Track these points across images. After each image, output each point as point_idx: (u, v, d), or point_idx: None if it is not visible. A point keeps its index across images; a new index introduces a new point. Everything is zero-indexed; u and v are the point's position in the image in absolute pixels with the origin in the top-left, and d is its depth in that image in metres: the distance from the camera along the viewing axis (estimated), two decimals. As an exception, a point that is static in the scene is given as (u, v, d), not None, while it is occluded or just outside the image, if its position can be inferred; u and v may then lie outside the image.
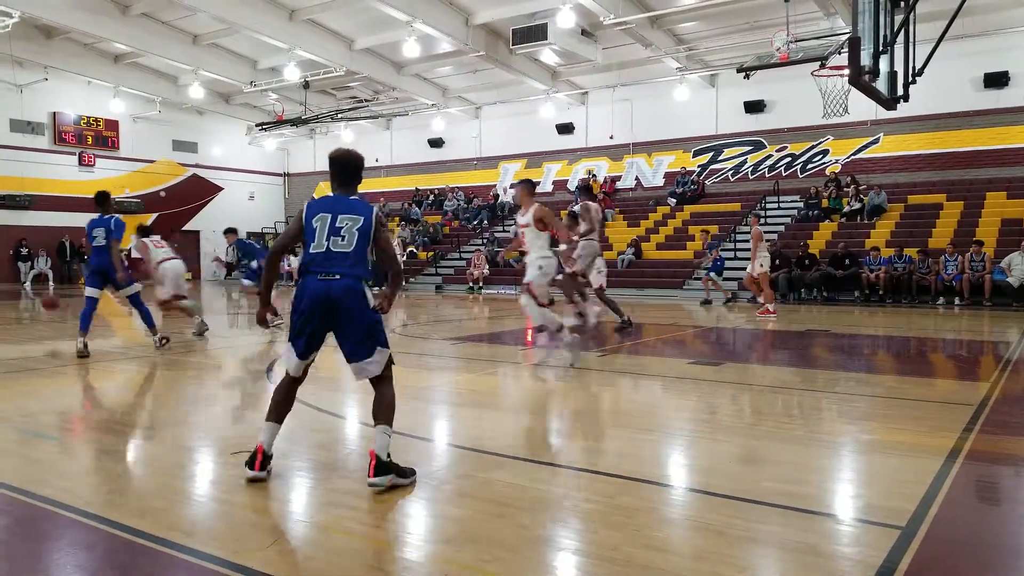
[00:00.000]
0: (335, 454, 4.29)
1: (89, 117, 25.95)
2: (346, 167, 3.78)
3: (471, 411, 5.58)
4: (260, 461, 3.59)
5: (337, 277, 3.55)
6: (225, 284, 11.71)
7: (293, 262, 20.16)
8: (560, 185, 26.05)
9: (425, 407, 5.70)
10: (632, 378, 7.13)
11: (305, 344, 3.64)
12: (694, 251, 19.62)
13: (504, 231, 24.52)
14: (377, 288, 4.02)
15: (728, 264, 17.80)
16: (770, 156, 22.41)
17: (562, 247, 7.06)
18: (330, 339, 3.70)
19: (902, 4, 8.50)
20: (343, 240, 3.59)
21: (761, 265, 13.20)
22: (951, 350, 9.43)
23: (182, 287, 10.07)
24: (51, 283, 22.98)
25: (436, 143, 28.80)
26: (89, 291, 8.00)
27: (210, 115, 29.04)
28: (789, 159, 22.11)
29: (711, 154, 23.40)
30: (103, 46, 22.93)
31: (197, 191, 29.66)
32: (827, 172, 21.14)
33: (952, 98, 19.10)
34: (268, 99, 26.40)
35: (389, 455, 3.49)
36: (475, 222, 25.85)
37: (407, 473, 3.54)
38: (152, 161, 28.14)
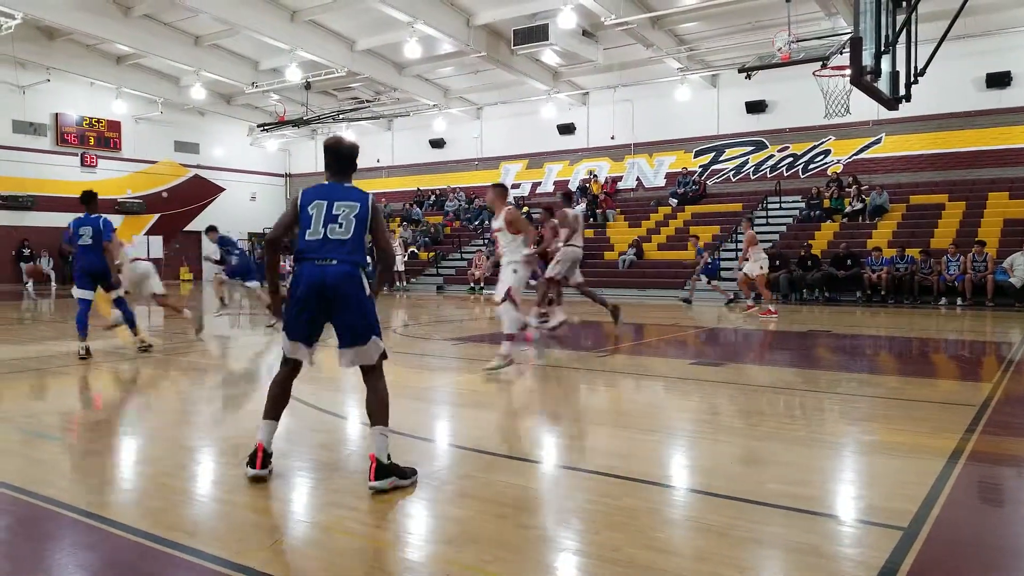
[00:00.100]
0: (336, 454, 4.29)
1: (91, 118, 25.99)
2: (340, 155, 3.77)
3: (472, 411, 5.58)
4: (261, 459, 3.59)
5: (334, 262, 3.54)
6: (228, 284, 11.76)
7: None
8: (561, 185, 26.02)
9: (427, 407, 5.70)
10: (634, 378, 7.13)
11: (300, 330, 3.61)
12: (696, 250, 19.59)
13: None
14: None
15: (728, 265, 17.78)
16: (772, 156, 22.39)
17: (527, 252, 7.13)
18: (331, 340, 3.70)
19: (904, 4, 8.49)
20: (340, 227, 3.58)
21: (761, 267, 13.34)
22: (953, 351, 9.41)
23: (151, 287, 9.99)
24: (53, 284, 23.00)
25: (437, 144, 28.81)
26: (80, 293, 7.78)
27: (212, 116, 29.07)
28: (791, 159, 22.09)
29: (712, 154, 23.38)
30: (105, 47, 22.96)
31: (199, 192, 29.68)
32: (829, 172, 21.11)
33: (954, 98, 19.07)
34: (270, 100, 26.44)
35: (389, 456, 3.48)
36: (476, 222, 25.85)
37: (408, 473, 3.53)
38: (154, 162, 28.16)
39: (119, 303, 8.16)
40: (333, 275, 3.52)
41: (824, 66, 14.66)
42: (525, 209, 22.41)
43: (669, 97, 22.90)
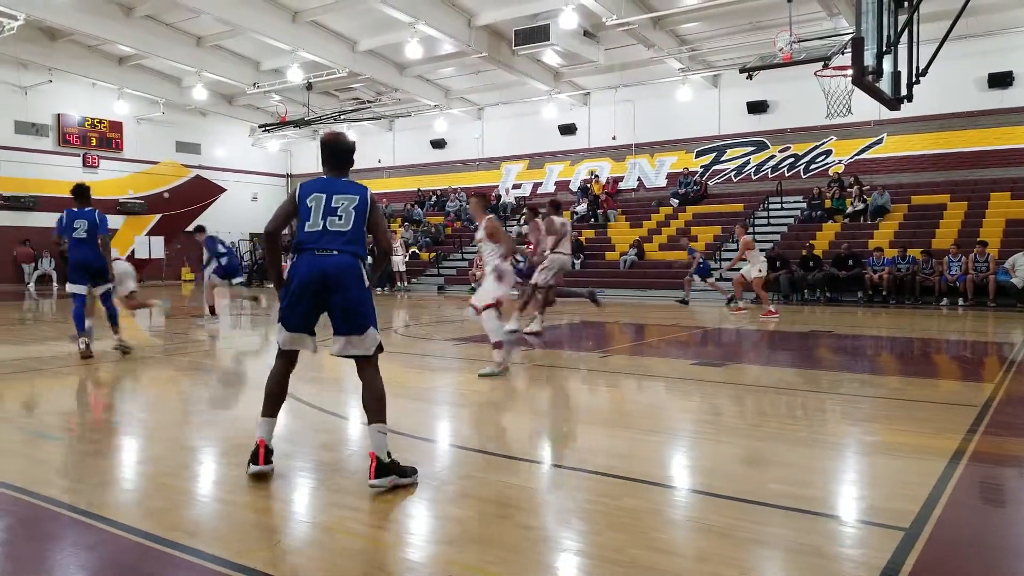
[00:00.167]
0: (337, 454, 4.29)
1: (93, 119, 26.01)
2: (337, 151, 3.79)
3: (473, 412, 5.57)
4: (263, 455, 3.59)
5: (334, 253, 3.55)
6: (220, 286, 11.72)
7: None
8: (563, 186, 26.05)
9: (427, 407, 5.71)
10: (635, 379, 7.13)
11: (296, 321, 3.61)
12: (687, 251, 19.59)
13: (506, 231, 24.50)
14: (380, 289, 4.03)
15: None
16: (773, 156, 22.37)
17: (505, 263, 7.17)
18: (329, 339, 3.70)
19: (905, 4, 8.49)
20: (340, 219, 3.60)
21: (760, 271, 13.40)
22: (955, 351, 9.40)
23: (127, 288, 10.00)
24: (55, 284, 23.04)
25: (438, 144, 28.82)
26: (74, 288, 7.57)
27: (213, 116, 29.09)
28: (792, 159, 22.08)
29: (714, 155, 23.37)
30: (107, 48, 22.98)
31: (200, 192, 29.71)
32: (830, 172, 21.09)
33: (956, 98, 19.05)
34: (271, 100, 26.45)
35: (389, 454, 3.48)
36: (477, 223, 25.82)
37: (408, 472, 3.53)
38: (156, 162, 28.19)
39: (105, 299, 7.93)
40: (334, 265, 3.54)
41: (826, 66, 14.65)
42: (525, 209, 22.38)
43: (670, 97, 22.88)
